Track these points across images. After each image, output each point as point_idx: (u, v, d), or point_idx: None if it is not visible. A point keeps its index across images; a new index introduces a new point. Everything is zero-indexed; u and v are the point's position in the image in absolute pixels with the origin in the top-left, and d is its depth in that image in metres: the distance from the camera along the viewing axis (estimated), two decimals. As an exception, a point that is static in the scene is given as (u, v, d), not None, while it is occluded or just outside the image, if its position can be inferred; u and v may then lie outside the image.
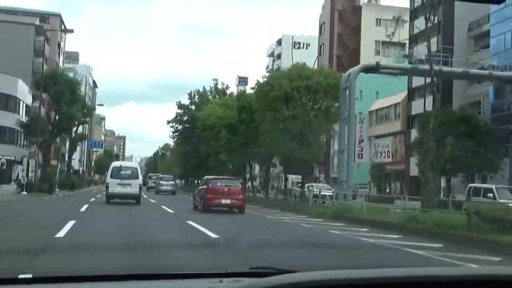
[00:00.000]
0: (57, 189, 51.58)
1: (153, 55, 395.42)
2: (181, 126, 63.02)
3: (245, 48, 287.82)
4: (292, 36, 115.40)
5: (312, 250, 10.60)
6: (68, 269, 4.97)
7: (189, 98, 63.37)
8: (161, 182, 52.33)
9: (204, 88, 63.37)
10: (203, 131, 53.25)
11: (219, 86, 61.51)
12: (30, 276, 2.60)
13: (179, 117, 63.27)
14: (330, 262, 8.59)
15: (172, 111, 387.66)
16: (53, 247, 9.62)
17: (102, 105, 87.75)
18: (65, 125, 47.24)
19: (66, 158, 66.43)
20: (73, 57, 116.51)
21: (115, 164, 30.04)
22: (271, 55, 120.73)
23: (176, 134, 64.62)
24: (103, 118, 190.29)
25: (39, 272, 3.02)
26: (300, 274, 1.81)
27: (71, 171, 63.21)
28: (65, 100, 45.57)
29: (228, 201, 23.16)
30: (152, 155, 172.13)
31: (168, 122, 64.02)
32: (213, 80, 62.17)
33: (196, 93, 62.64)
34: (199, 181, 33.20)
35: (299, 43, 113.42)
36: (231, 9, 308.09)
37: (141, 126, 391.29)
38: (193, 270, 2.81)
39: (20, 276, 2.60)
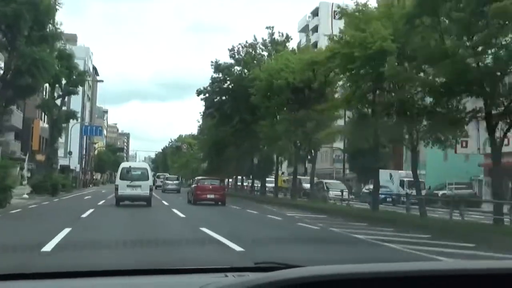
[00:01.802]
0: (26, 195, 32.10)
1: (158, 53, 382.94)
2: (218, 98, 41.57)
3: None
4: (332, 3, 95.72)
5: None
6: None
7: (231, 56, 41.70)
8: (166, 181, 55.43)
9: (254, 38, 41.81)
10: (263, 99, 32.30)
11: (276, 37, 40.17)
12: (30, 272, 2.56)
13: (216, 83, 42.12)
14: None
15: (175, 110, 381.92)
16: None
17: (102, 81, 66.90)
18: (27, 83, 25.65)
19: (64, 151, 46.26)
20: (70, 39, 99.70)
21: (125, 165, 29.27)
22: (304, 29, 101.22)
23: (210, 110, 43.04)
24: (106, 112, 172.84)
25: (39, 268, 3.04)
26: (304, 268, 1.81)
27: (52, 166, 41.88)
28: (25, 34, 24.44)
29: (212, 196, 29.28)
30: (161, 150, 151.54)
31: (199, 93, 42.04)
32: (267, 28, 40.51)
33: (241, 48, 41.06)
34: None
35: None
36: (237, 6, 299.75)
37: (145, 125, 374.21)
38: (198, 265, 2.79)
39: (21, 271, 2.57)
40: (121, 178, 26.35)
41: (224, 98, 41.39)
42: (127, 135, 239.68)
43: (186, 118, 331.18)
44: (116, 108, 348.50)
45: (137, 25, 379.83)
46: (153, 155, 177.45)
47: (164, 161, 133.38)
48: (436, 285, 1.70)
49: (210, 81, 41.83)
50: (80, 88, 43.85)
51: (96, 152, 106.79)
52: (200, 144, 62.63)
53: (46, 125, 70.90)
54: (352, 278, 1.68)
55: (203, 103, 43.76)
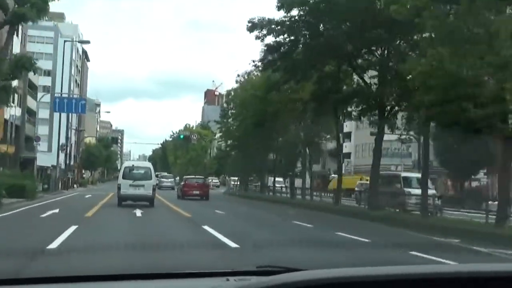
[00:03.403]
0: None
1: (157, 51, 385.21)
2: (285, 36, 23.29)
3: (249, 44, 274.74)
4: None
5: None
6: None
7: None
8: (162, 179, 59.06)
9: None
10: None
11: None
12: (29, 276, 2.55)
13: (287, 7, 22.21)
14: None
15: (171, 109, 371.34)
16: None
17: (88, 42, 49.64)
18: None
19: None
20: (57, 17, 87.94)
21: (127, 164, 29.96)
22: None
23: (270, 59, 24.68)
24: (98, 105, 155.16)
25: (38, 272, 3.01)
26: (306, 272, 1.81)
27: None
28: None
29: (197, 192, 35.31)
30: (159, 145, 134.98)
31: (252, 28, 21.53)
32: None
33: None
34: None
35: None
36: (237, 6, 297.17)
37: (140, 123, 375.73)
38: (200, 269, 2.74)
39: (20, 276, 2.56)
40: (124, 177, 26.15)
41: (296, 38, 23.14)
42: (121, 132, 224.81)
43: (182, 117, 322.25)
44: (110, 106, 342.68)
45: (136, 23, 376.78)
46: (147, 153, 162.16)
47: (163, 157, 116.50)
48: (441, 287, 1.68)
49: (277, 7, 22.93)
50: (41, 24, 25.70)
51: (85, 145, 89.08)
52: (229, 127, 44.93)
53: (18, 108, 53.56)
54: (354, 281, 1.67)
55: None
